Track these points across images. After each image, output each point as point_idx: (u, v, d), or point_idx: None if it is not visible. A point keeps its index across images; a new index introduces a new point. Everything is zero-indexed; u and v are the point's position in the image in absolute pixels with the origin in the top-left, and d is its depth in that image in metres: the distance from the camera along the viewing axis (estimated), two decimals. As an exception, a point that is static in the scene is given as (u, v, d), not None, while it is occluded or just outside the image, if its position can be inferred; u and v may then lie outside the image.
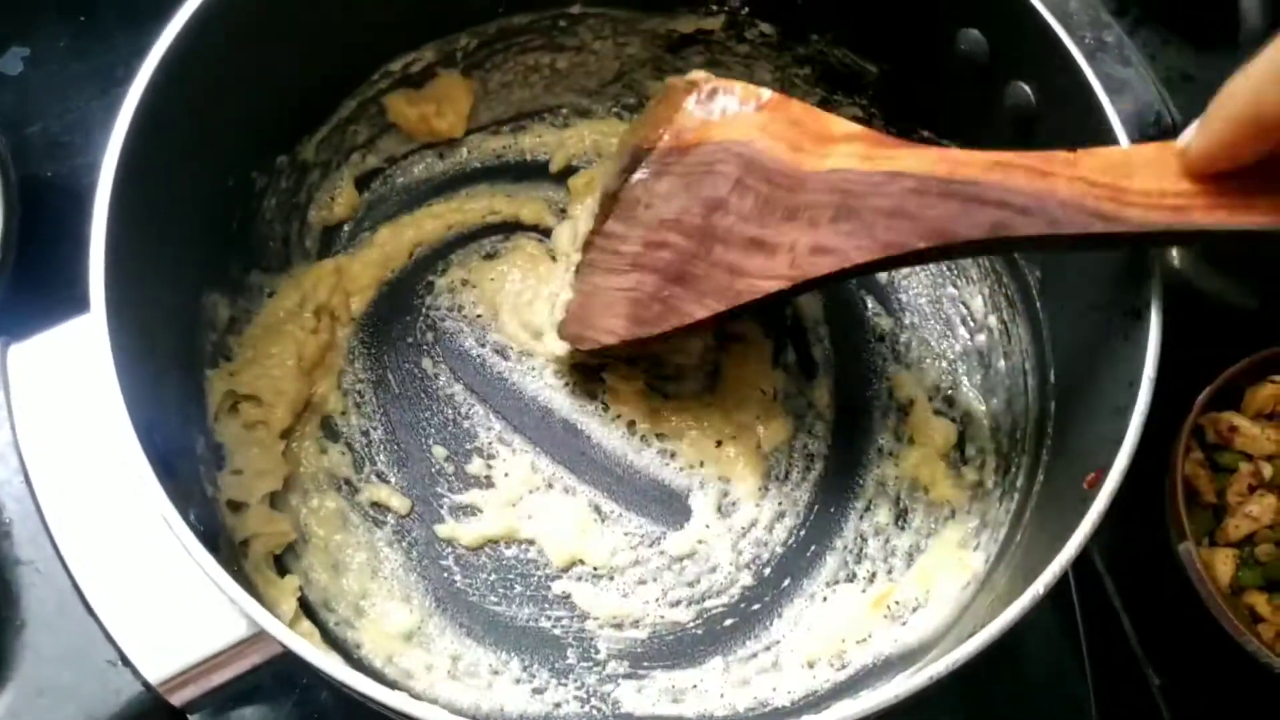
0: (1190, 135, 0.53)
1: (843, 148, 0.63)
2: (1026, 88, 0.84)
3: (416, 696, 0.78)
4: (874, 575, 0.94)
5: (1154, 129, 0.87)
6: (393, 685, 0.84)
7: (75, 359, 0.74)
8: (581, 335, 0.88)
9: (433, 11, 0.97)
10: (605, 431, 0.98)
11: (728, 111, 0.70)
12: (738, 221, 0.67)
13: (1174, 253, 1.12)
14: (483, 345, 1.00)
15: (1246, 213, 0.54)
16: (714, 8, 1.00)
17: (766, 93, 0.71)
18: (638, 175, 0.73)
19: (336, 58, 0.94)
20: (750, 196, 0.66)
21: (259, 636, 0.67)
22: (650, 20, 1.02)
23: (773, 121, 0.67)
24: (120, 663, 0.67)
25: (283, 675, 0.90)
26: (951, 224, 0.59)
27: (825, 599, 0.93)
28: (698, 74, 0.80)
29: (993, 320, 0.97)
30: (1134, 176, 0.55)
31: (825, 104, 1.03)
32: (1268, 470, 1.01)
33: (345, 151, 1.01)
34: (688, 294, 0.72)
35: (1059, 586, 0.95)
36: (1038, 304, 0.91)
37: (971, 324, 1.00)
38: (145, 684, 0.67)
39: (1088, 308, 0.82)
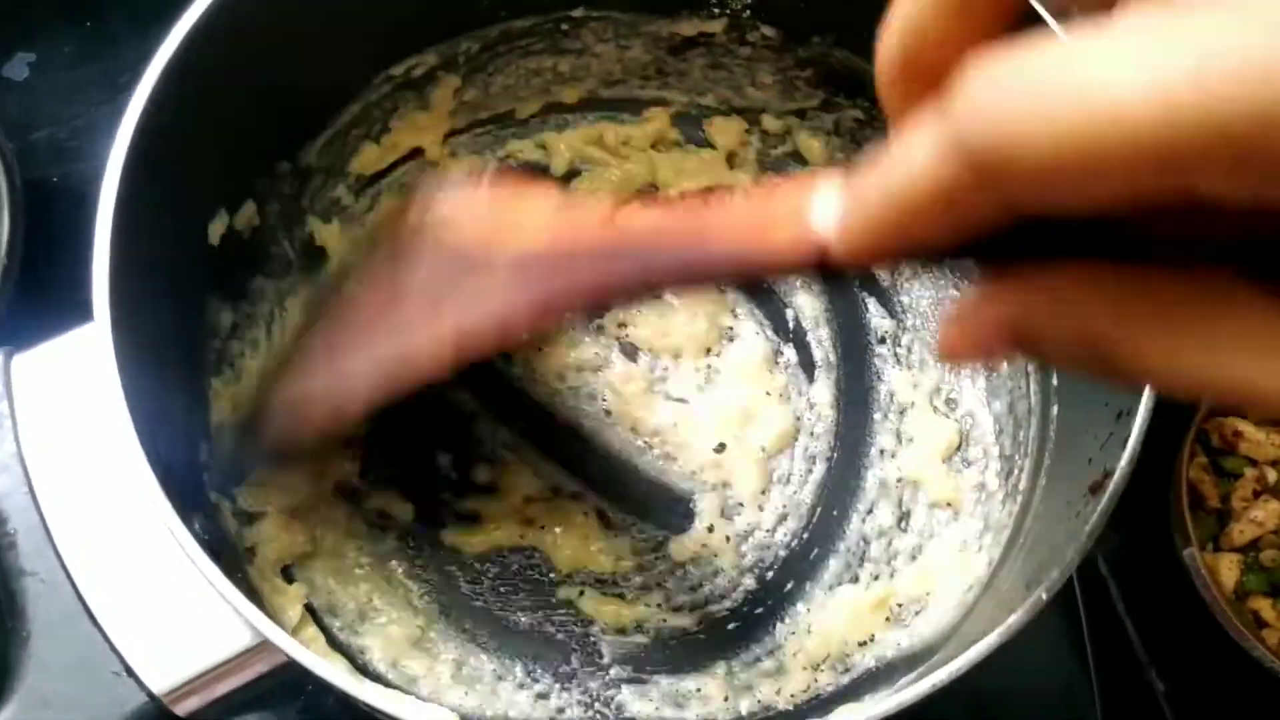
0: (832, 229, 0.45)
1: (531, 227, 0.64)
2: (1029, 92, 0.84)
3: (421, 701, 0.79)
4: (876, 577, 0.94)
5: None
6: (397, 690, 0.84)
7: (79, 369, 0.74)
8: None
9: (435, 16, 0.97)
10: (609, 436, 0.98)
11: (441, 210, 0.70)
12: (418, 307, 0.68)
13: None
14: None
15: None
16: (716, 10, 1.00)
17: (481, 177, 0.71)
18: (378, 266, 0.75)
19: (338, 63, 0.94)
20: (437, 283, 0.68)
21: (263, 646, 0.67)
22: (652, 23, 1.02)
23: (477, 211, 0.68)
24: (125, 673, 0.67)
25: (288, 682, 0.90)
26: (598, 279, 0.59)
27: (827, 602, 0.93)
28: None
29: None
30: (776, 228, 0.51)
31: (827, 106, 1.03)
32: (1272, 475, 1.02)
33: (347, 156, 1.00)
34: (351, 375, 0.72)
35: (1063, 591, 0.95)
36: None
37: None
38: (150, 694, 0.67)
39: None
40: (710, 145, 1.07)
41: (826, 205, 0.46)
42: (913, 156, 0.38)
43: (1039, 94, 0.32)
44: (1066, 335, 0.40)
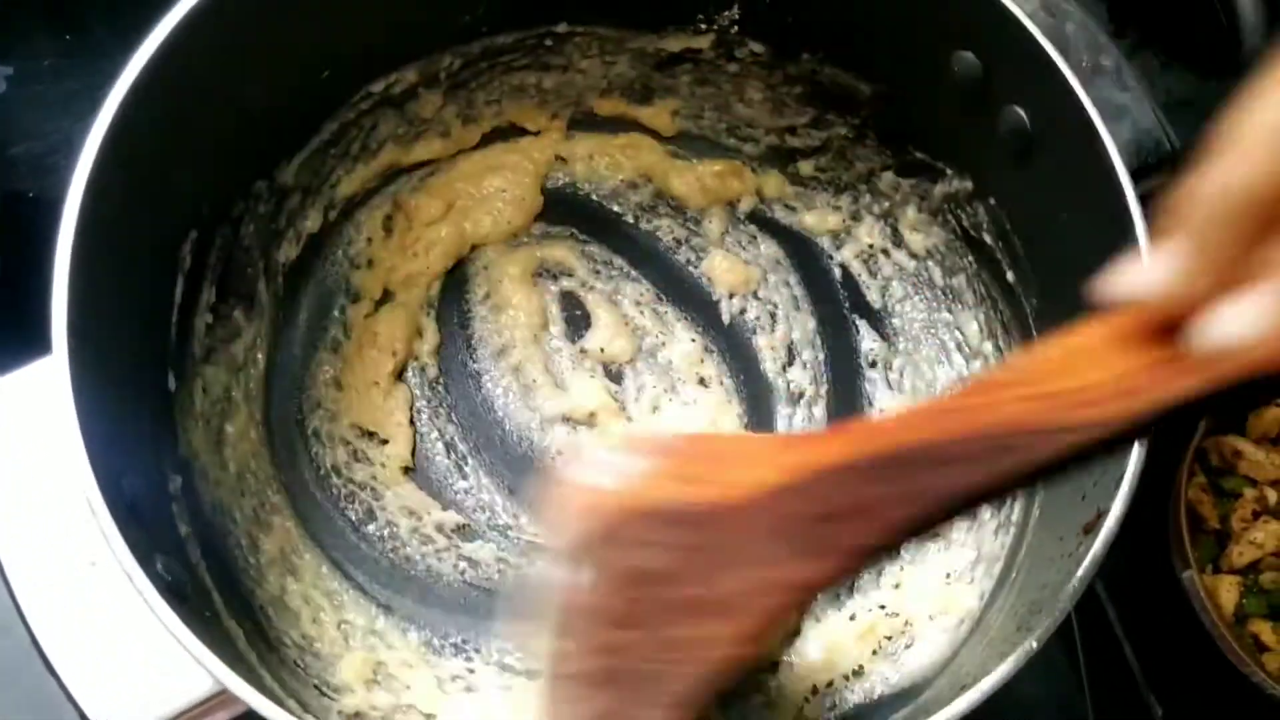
0: (1234, 337, 0.44)
1: (759, 466, 0.55)
2: (1021, 112, 0.82)
3: None
4: (867, 609, 0.92)
5: (1153, 156, 0.86)
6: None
7: (38, 403, 0.72)
8: None
9: (415, 31, 0.95)
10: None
11: (634, 472, 0.59)
12: (684, 590, 0.57)
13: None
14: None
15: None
16: (703, 26, 0.98)
17: (669, 437, 0.64)
18: (579, 578, 0.60)
19: (316, 79, 0.92)
20: (685, 557, 0.56)
21: (225, 693, 0.65)
22: (638, 39, 1.00)
23: (681, 465, 0.58)
24: (81, 723, 0.65)
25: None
26: (904, 503, 0.52)
27: (814, 631, 0.91)
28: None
29: (988, 347, 0.96)
30: (1077, 373, 0.49)
31: (817, 124, 1.02)
32: (1272, 496, 1.00)
33: (325, 175, 0.99)
34: (650, 696, 0.58)
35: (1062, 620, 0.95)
36: (1034, 331, 0.89)
37: (967, 350, 0.98)
38: (107, 745, 0.65)
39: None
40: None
41: (1236, 313, 0.43)
42: None
43: None
44: None
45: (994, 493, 0.51)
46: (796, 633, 0.91)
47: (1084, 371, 0.48)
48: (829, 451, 0.54)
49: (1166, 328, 0.46)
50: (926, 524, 0.53)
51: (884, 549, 0.54)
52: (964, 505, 0.52)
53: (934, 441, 0.51)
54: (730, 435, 0.59)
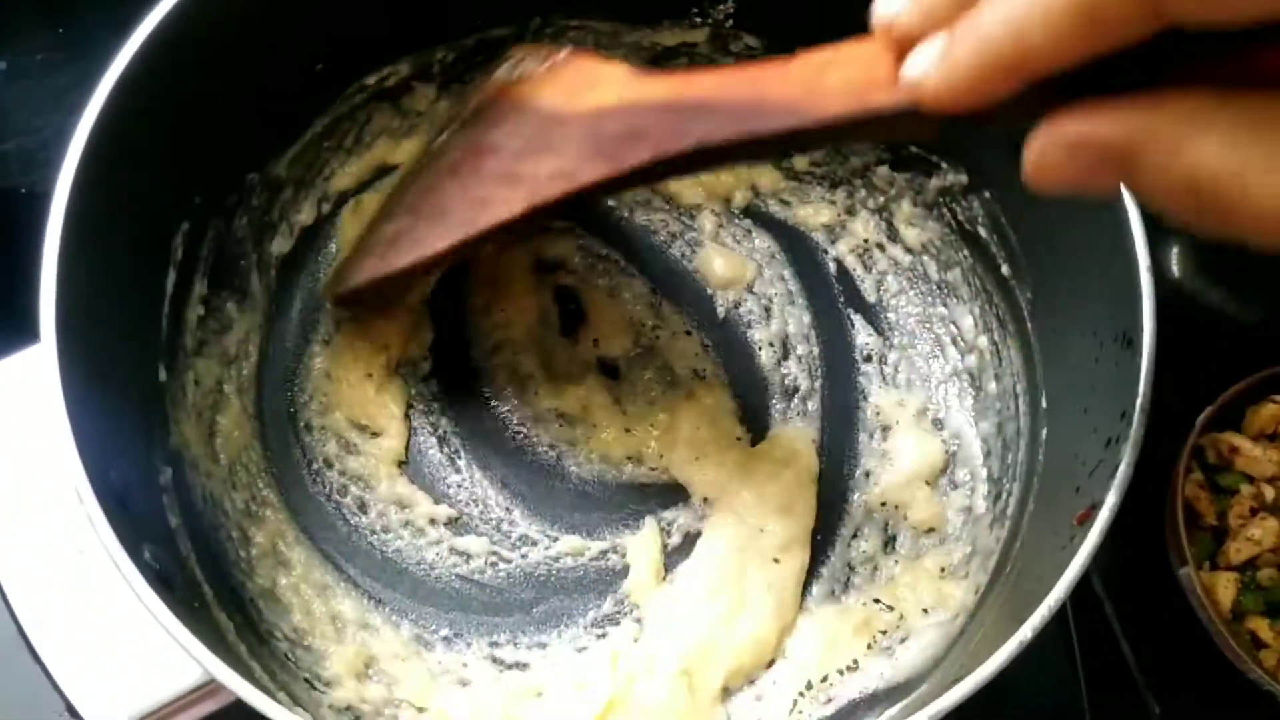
0: (922, 72, 0.46)
1: (606, 88, 0.70)
2: (1016, 104, 0.82)
3: None
4: (862, 603, 0.91)
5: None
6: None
7: (27, 391, 0.72)
8: (339, 284, 0.93)
9: (408, 25, 0.95)
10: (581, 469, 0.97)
11: (527, 71, 0.78)
12: (500, 161, 0.75)
13: (1174, 265, 1.11)
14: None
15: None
16: (698, 20, 0.98)
17: (564, 52, 0.77)
18: (440, 137, 0.83)
19: (309, 72, 0.92)
20: (518, 139, 0.74)
21: (214, 682, 0.65)
22: (634, 33, 1.00)
23: (560, 74, 0.74)
24: (68, 713, 0.65)
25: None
26: (666, 139, 0.63)
27: (809, 628, 0.91)
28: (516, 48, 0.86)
29: (983, 341, 0.95)
30: (834, 73, 0.54)
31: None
32: (1269, 493, 1.00)
33: (319, 168, 0.98)
34: (434, 228, 0.80)
35: (1057, 612, 0.94)
36: (1029, 325, 0.89)
37: (962, 344, 0.97)
38: (94, 735, 0.65)
39: (1080, 331, 0.80)
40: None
41: (922, 52, 0.46)
42: None
43: None
44: (1174, 169, 0.40)
45: (736, 147, 0.59)
46: (792, 627, 0.90)
47: (831, 74, 0.53)
48: (645, 88, 0.66)
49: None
50: (685, 158, 0.62)
51: (646, 173, 0.65)
52: (715, 150, 0.61)
53: (714, 97, 0.60)
54: (603, 63, 0.72)
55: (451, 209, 0.79)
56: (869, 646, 0.88)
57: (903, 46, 0.47)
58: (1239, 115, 0.39)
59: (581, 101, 0.70)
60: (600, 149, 0.66)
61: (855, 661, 0.88)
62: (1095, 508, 0.69)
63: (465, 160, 0.80)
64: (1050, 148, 0.43)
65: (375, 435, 0.96)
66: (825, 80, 0.53)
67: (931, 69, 0.45)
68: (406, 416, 0.97)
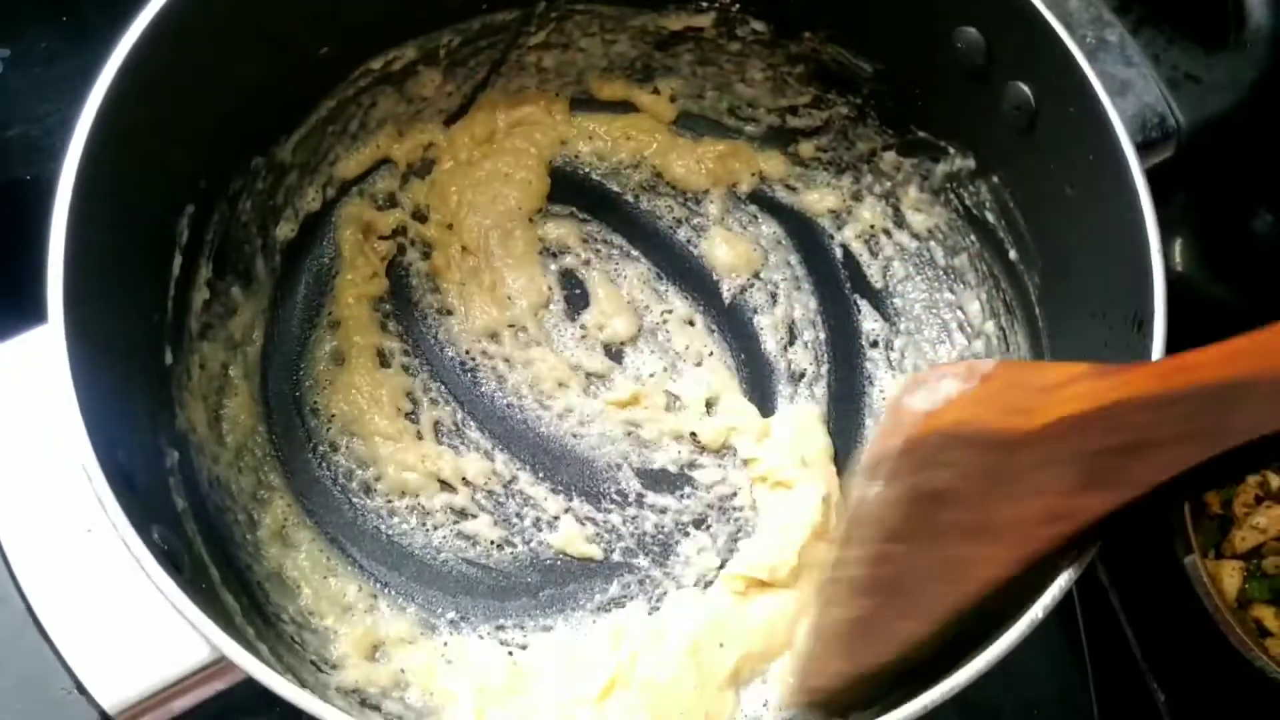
0: None
1: (1066, 391, 0.57)
2: (1025, 88, 0.82)
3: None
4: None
5: (1157, 131, 0.85)
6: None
7: (35, 372, 0.71)
8: (811, 686, 0.76)
9: (414, 8, 0.95)
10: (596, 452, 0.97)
11: (949, 395, 0.63)
12: (959, 513, 0.60)
13: (1177, 257, 1.11)
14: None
15: None
16: (704, 4, 0.98)
17: (988, 364, 0.65)
18: (871, 490, 0.65)
19: (314, 56, 0.92)
20: (971, 479, 0.60)
21: (222, 662, 0.64)
22: (639, 17, 1.00)
23: (992, 391, 0.61)
24: (76, 690, 0.64)
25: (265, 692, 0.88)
26: (1189, 442, 0.51)
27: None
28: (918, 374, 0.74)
29: (990, 326, 0.95)
30: None
31: (818, 103, 1.02)
32: (1275, 481, 1.00)
33: (324, 153, 0.98)
34: (907, 608, 0.63)
35: (1063, 600, 0.94)
36: (1037, 310, 0.88)
37: (969, 330, 0.97)
38: (102, 713, 0.64)
39: (1089, 315, 0.79)
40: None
41: None
42: None
43: None
44: None
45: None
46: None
47: None
48: (1133, 383, 0.54)
49: None
50: (1222, 466, 0.52)
51: (1176, 488, 0.53)
52: (1254, 454, 0.50)
53: (1238, 376, 0.49)
54: (1038, 364, 0.60)
55: (917, 584, 0.63)
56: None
57: None
58: None
59: (1037, 415, 0.57)
60: (1094, 471, 0.54)
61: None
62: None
63: (911, 519, 0.64)
64: None
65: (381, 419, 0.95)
66: None
67: None
68: (411, 399, 0.97)
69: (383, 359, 0.98)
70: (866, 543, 0.65)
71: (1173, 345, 0.70)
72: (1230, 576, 0.98)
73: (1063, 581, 0.64)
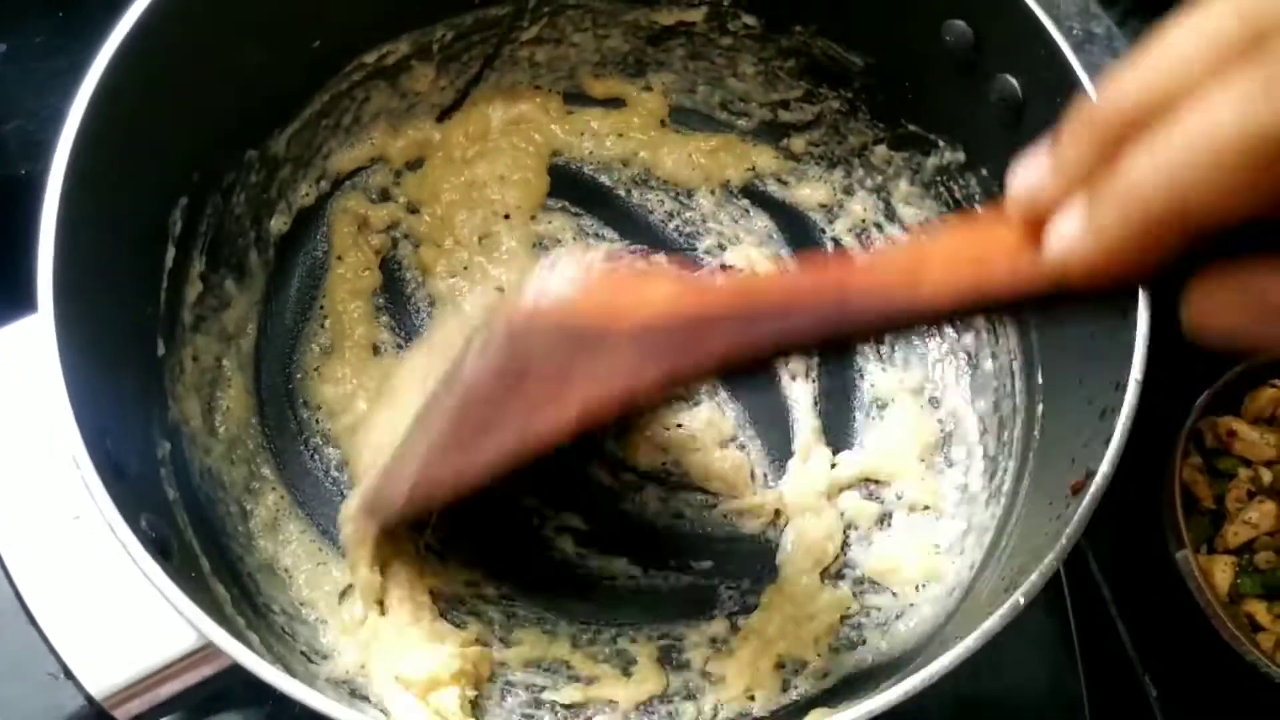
0: (1065, 245, 0.42)
1: (654, 302, 0.63)
2: (1013, 80, 0.82)
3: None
4: (857, 579, 0.92)
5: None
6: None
7: (24, 360, 0.72)
8: (370, 510, 0.86)
9: (408, 3, 0.95)
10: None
11: (551, 290, 0.69)
12: (542, 380, 0.68)
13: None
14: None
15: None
16: (696, -1, 0.98)
17: (597, 261, 0.70)
18: (479, 358, 0.73)
19: (307, 49, 0.92)
20: (558, 359, 0.67)
21: (209, 648, 0.65)
22: (631, 12, 1.00)
23: (594, 292, 0.67)
24: (62, 675, 0.64)
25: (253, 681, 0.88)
26: (734, 339, 0.58)
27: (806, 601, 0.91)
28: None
29: (979, 320, 0.95)
30: (936, 259, 0.50)
31: (810, 97, 1.02)
32: (1267, 476, 1.00)
33: (317, 147, 0.99)
34: (478, 446, 0.72)
35: (1053, 594, 0.95)
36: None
37: (958, 322, 0.97)
38: (88, 698, 0.64)
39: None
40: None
41: (1065, 222, 0.42)
42: (1223, 122, 0.37)
43: None
44: None
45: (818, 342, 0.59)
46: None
47: (933, 260, 0.50)
48: (708, 300, 0.61)
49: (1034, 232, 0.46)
50: (742, 362, 0.59)
51: (693, 376, 0.63)
52: (790, 345, 0.59)
53: (782, 300, 0.57)
54: (648, 278, 0.65)
55: (494, 425, 0.71)
56: (860, 625, 0.89)
57: (1036, 219, 0.44)
58: None
59: (631, 316, 0.63)
60: (659, 355, 0.61)
61: (848, 639, 0.88)
62: (1089, 477, 0.69)
63: (500, 384, 0.71)
64: (1215, 302, 0.41)
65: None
66: (926, 270, 0.49)
67: (1079, 237, 0.42)
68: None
69: (375, 352, 0.97)
70: (458, 395, 0.74)
71: (1165, 337, 0.70)
72: (1222, 571, 0.98)
73: (1043, 568, 0.65)
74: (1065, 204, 0.43)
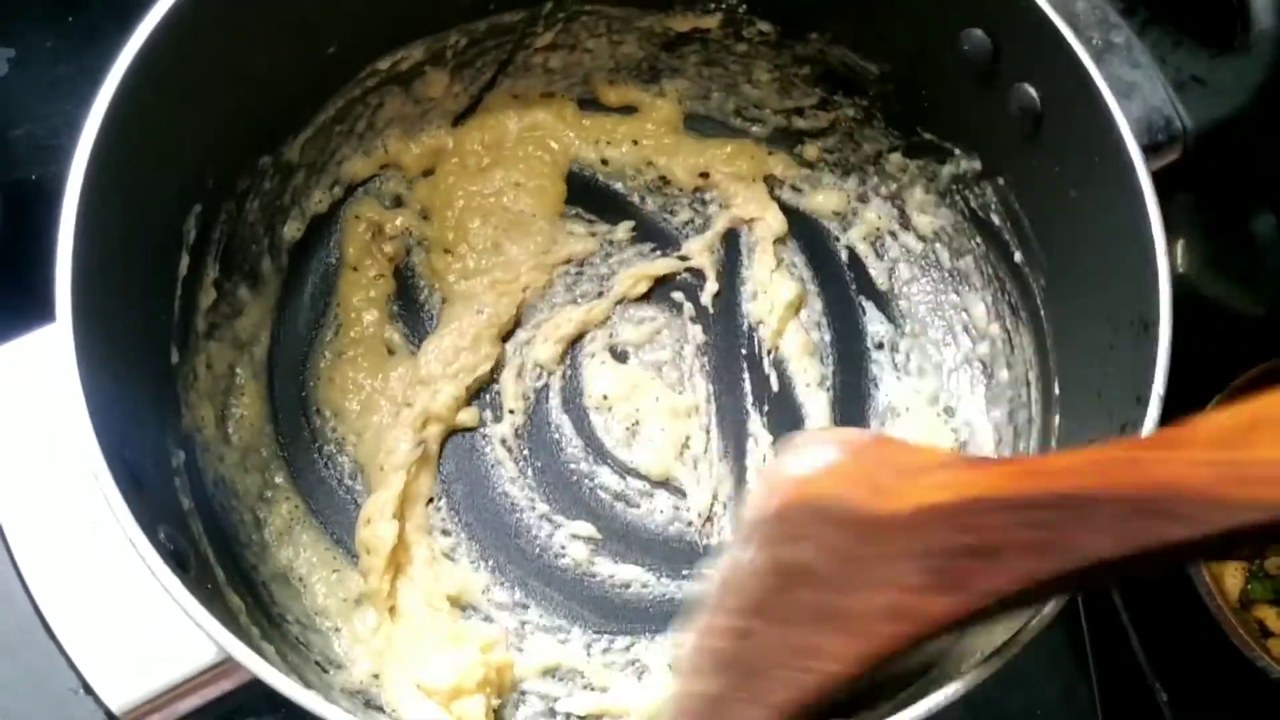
0: None
1: (928, 479, 0.55)
2: (1032, 90, 0.82)
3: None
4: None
5: (1163, 134, 0.85)
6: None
7: (42, 371, 0.71)
8: None
9: (421, 8, 0.95)
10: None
11: (823, 463, 0.60)
12: (816, 591, 0.57)
13: (1180, 259, 1.10)
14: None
15: None
16: (711, 5, 0.98)
17: (865, 434, 0.65)
18: (744, 555, 0.62)
19: (321, 55, 0.92)
20: (831, 558, 0.57)
21: (228, 662, 0.65)
22: (646, 18, 1.00)
23: (862, 465, 0.58)
24: (82, 690, 0.64)
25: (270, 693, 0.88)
26: (1034, 556, 0.50)
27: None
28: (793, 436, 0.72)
29: (995, 329, 0.95)
30: (1261, 444, 0.43)
31: (825, 105, 1.02)
32: (1279, 482, 0.99)
33: (331, 153, 0.98)
34: (754, 693, 0.59)
35: (1067, 602, 0.94)
36: (1042, 312, 0.88)
37: (973, 332, 0.97)
38: (108, 713, 0.64)
39: (1094, 317, 0.79)
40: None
41: None
42: None
43: None
44: None
45: (1132, 567, 0.47)
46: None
47: (1269, 443, 0.42)
48: (990, 478, 0.52)
49: None
50: (1059, 585, 0.51)
51: (1012, 602, 0.52)
52: (1099, 574, 0.49)
53: (1091, 490, 0.48)
54: (912, 445, 0.59)
55: (766, 667, 0.59)
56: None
57: None
58: None
59: (899, 499, 0.55)
60: (941, 572, 0.52)
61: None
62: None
63: (771, 590, 0.60)
64: None
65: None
66: (1252, 449, 0.42)
67: None
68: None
69: (389, 358, 0.97)
70: (731, 613, 0.62)
71: (1175, 345, 0.70)
72: (1232, 577, 0.99)
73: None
74: None
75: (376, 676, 0.83)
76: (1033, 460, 0.53)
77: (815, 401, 0.99)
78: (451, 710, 0.79)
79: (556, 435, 0.97)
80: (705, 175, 1.05)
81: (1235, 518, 0.42)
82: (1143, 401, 0.69)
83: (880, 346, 1.01)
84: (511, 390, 0.98)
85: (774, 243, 1.03)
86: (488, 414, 0.97)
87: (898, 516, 0.54)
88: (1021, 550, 0.49)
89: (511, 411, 0.97)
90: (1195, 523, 0.43)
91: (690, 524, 0.94)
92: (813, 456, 0.59)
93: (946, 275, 1.00)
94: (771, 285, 1.02)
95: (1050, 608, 0.63)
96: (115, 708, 0.64)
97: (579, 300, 1.01)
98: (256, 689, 0.65)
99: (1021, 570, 0.49)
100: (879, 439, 0.63)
